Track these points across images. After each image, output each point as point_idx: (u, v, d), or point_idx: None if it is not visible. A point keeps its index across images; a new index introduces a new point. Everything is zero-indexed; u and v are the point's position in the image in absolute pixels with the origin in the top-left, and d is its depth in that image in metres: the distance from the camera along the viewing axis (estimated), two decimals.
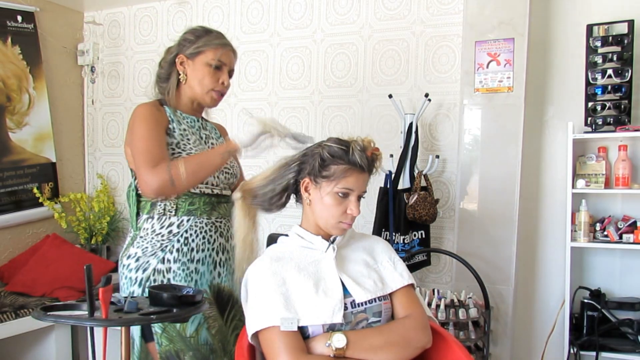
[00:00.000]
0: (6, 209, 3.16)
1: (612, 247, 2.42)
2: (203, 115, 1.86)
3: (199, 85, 1.70)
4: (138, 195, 1.68)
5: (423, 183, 2.59)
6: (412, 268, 2.53)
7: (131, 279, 1.63)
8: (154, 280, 1.61)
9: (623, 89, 2.37)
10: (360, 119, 2.97)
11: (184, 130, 1.70)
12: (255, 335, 1.29)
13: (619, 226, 2.42)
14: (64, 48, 3.62)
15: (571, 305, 2.45)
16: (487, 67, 2.53)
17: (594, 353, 2.36)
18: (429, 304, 2.29)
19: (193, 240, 1.65)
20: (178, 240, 1.64)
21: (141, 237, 1.66)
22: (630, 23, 2.38)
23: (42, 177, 3.36)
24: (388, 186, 2.57)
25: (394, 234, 2.53)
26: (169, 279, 1.61)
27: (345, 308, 1.30)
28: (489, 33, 2.53)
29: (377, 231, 2.56)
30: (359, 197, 1.38)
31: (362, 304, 1.32)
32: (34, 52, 3.34)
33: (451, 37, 2.75)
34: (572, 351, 2.39)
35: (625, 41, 2.37)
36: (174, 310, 1.26)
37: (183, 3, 3.45)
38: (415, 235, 2.61)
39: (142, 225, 1.67)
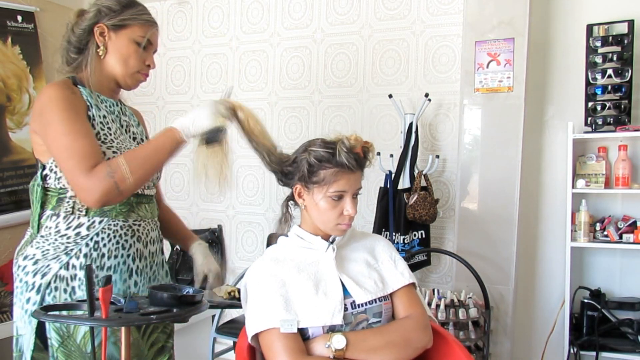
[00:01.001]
0: (6, 209, 3.16)
1: (612, 247, 2.42)
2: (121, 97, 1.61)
3: (123, 65, 1.49)
4: (45, 189, 1.44)
5: (423, 183, 2.59)
6: (412, 268, 2.51)
7: (27, 284, 1.41)
8: (55, 288, 1.39)
9: (623, 89, 2.37)
10: (360, 119, 2.97)
11: (104, 117, 1.46)
12: (256, 336, 1.29)
13: (619, 226, 2.43)
14: None
15: (571, 305, 2.45)
16: (487, 67, 2.53)
17: (594, 353, 2.36)
18: (429, 304, 2.29)
19: (105, 245, 1.43)
20: (87, 245, 1.41)
21: (42, 236, 1.43)
22: (630, 23, 2.38)
23: None
24: (388, 186, 2.57)
25: (394, 233, 2.53)
26: (73, 288, 1.39)
27: (345, 309, 1.29)
28: (489, 33, 2.53)
29: (377, 231, 2.56)
30: (355, 195, 1.36)
31: (362, 304, 1.32)
32: (34, 52, 3.33)
33: (451, 37, 2.75)
34: (572, 351, 2.40)
35: (625, 41, 2.37)
36: (174, 310, 1.26)
37: (183, 3, 3.45)
38: (415, 235, 2.61)
39: (44, 222, 1.43)
